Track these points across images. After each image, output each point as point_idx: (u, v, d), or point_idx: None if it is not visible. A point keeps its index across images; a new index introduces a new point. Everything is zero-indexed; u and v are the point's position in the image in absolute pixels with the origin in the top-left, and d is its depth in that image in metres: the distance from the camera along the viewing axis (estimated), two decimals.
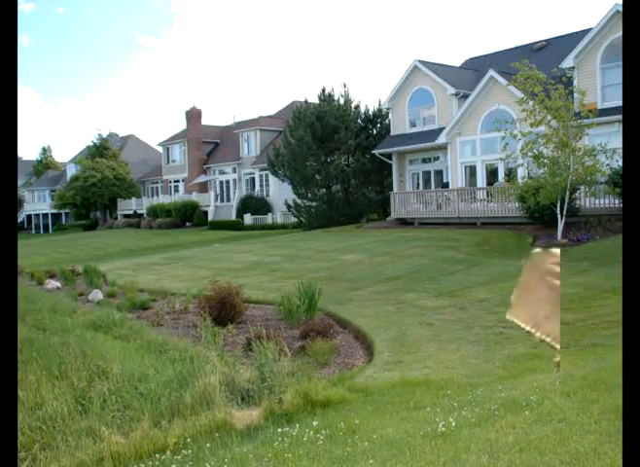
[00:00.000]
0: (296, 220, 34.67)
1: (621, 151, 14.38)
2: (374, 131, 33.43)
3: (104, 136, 61.04)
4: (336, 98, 33.26)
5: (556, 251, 1.59)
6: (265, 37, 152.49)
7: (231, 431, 5.20)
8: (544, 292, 1.48)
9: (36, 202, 68.42)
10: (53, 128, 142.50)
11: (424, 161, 30.06)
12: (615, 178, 18.63)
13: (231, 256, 21.50)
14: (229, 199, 47.46)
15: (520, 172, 22.23)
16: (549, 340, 1.44)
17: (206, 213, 45.79)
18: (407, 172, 30.64)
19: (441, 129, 27.43)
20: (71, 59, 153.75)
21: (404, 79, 29.86)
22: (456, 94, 27.79)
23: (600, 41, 22.18)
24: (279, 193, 42.07)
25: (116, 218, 55.76)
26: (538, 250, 1.56)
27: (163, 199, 50.30)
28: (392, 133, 30.96)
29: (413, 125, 30.08)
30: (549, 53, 28.79)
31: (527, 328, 1.51)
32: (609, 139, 19.54)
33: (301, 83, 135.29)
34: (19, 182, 69.20)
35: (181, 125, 76.80)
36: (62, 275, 18.21)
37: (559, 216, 18.52)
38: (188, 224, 46.01)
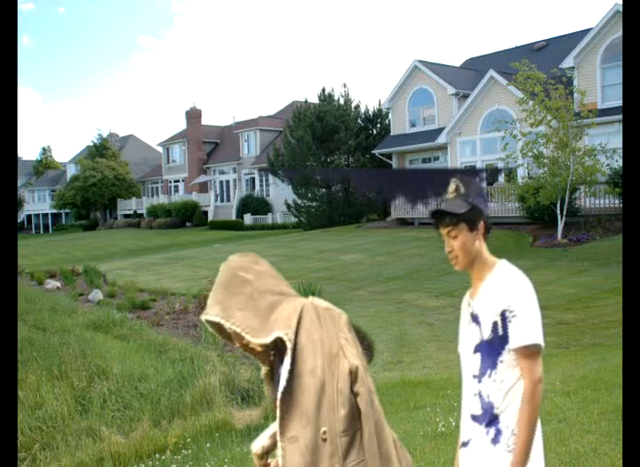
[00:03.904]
0: (296, 220, 34.64)
1: (621, 151, 14.40)
2: (374, 131, 33.40)
3: (104, 136, 60.93)
4: (336, 98, 33.23)
5: (253, 255, 1.67)
6: (264, 37, 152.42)
7: (230, 431, 5.20)
8: (237, 287, 1.57)
9: (36, 202, 68.32)
10: (53, 128, 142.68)
11: (424, 161, 30.02)
12: (615, 178, 18.63)
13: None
14: (229, 199, 47.41)
15: (520, 172, 22.22)
16: (239, 330, 1.52)
17: (206, 213, 45.73)
18: None
19: (441, 129, 27.41)
20: (71, 59, 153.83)
21: (404, 79, 29.84)
22: (456, 94, 27.77)
23: (600, 41, 22.16)
24: (279, 193, 42.06)
25: (116, 218, 55.71)
26: (234, 255, 1.66)
27: (163, 199, 50.22)
28: (392, 133, 30.93)
29: (413, 125, 30.06)
30: (549, 53, 28.78)
31: (217, 319, 1.58)
32: (609, 139, 19.53)
33: (301, 83, 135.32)
34: (19, 182, 69.10)
35: (181, 125, 76.83)
36: (62, 275, 18.20)
37: (559, 216, 18.52)
38: (188, 224, 45.94)
